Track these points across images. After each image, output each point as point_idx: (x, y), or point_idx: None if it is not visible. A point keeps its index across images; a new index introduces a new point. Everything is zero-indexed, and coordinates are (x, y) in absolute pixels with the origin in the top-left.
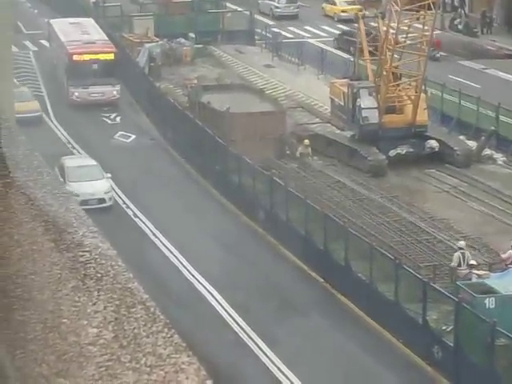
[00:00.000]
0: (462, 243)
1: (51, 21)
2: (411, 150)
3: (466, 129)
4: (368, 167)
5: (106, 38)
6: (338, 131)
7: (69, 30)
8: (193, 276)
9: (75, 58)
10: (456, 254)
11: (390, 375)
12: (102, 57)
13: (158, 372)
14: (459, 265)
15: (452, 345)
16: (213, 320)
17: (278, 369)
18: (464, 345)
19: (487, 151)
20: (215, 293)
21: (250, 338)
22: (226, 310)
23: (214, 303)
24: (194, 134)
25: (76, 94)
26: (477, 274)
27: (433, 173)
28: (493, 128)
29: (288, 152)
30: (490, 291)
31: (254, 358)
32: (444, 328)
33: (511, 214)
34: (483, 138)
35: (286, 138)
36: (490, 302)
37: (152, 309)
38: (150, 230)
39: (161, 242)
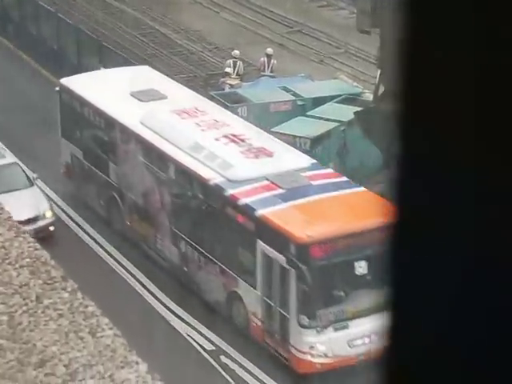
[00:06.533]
0: (236, 52)
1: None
2: None
3: None
4: None
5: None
6: None
7: (178, 125)
8: None
9: (318, 253)
10: (228, 61)
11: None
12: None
13: None
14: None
15: None
16: None
17: None
18: None
19: None
20: None
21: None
22: None
23: None
24: None
25: (319, 345)
26: (229, 84)
27: None
28: None
29: None
30: (242, 100)
31: None
32: None
33: (262, 25)
34: None
35: None
36: (242, 111)
37: None
38: None
39: None
